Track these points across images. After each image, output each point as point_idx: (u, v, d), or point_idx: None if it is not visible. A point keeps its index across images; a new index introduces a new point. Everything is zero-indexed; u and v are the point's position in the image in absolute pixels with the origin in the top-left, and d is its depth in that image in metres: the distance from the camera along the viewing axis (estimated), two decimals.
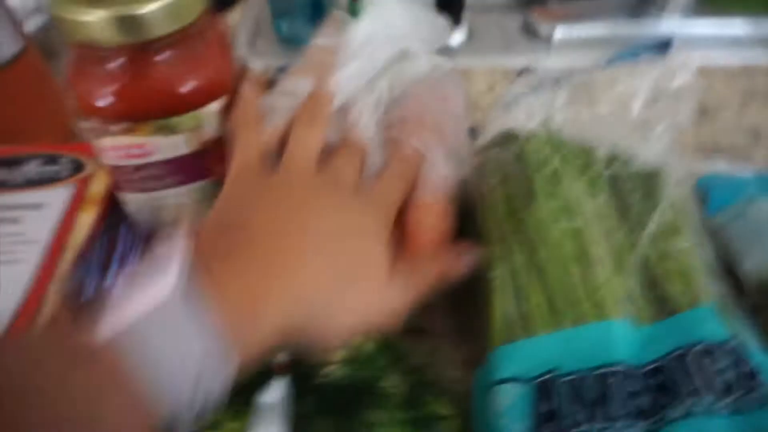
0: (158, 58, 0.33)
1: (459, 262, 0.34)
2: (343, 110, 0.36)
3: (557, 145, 0.41)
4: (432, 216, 0.34)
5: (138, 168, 0.37)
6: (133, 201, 0.42)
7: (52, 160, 0.46)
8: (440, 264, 0.34)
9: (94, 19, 0.30)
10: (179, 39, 0.33)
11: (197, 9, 0.33)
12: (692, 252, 0.34)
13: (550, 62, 0.67)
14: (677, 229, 0.35)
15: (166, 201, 0.40)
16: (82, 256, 0.41)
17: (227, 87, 0.36)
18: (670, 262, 0.33)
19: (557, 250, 0.34)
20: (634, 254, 0.34)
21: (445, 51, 0.44)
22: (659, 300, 0.32)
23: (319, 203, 0.30)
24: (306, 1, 0.64)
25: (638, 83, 0.41)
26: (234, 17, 0.75)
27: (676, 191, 0.38)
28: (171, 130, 0.35)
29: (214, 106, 0.35)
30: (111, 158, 0.37)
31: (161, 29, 0.32)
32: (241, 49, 0.70)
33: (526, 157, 0.40)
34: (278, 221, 0.28)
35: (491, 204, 0.38)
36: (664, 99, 0.43)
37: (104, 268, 0.43)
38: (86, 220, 0.42)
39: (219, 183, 0.33)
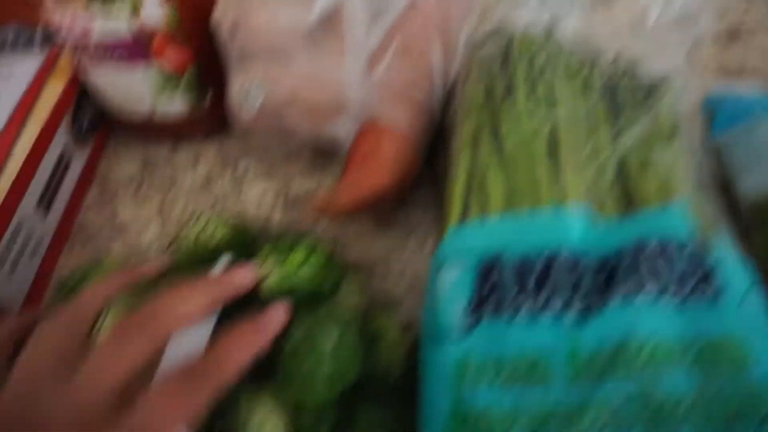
0: None
1: None
2: None
3: (548, 45, 0.38)
4: None
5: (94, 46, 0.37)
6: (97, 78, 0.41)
7: (23, 31, 0.45)
8: None
9: None
10: None
11: None
12: (676, 165, 0.31)
13: None
14: (666, 140, 0.32)
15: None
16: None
17: None
18: (649, 169, 0.30)
19: (527, 142, 0.32)
20: (614, 156, 0.31)
21: None
22: (627, 196, 0.30)
23: None
24: None
25: None
26: None
27: (676, 105, 0.35)
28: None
29: None
30: (71, 32, 0.37)
31: None
32: None
33: (513, 54, 0.37)
34: None
35: (470, 96, 0.36)
36: (682, 12, 0.40)
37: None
38: (55, 86, 0.42)
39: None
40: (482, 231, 0.29)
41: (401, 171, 0.38)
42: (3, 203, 0.36)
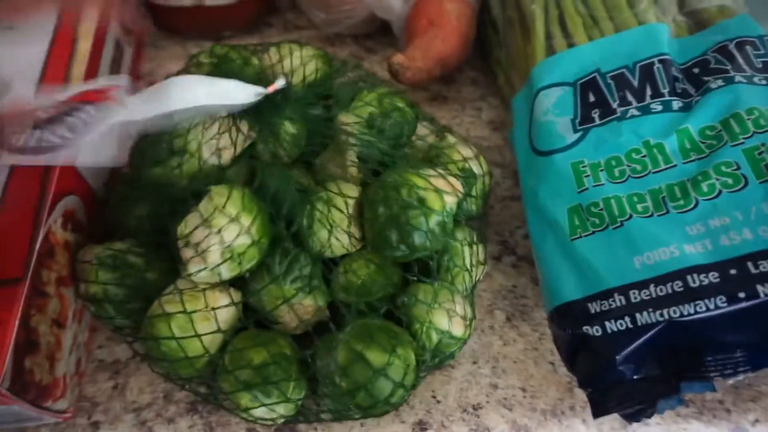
0: None
1: None
2: None
3: None
4: None
5: None
6: None
7: None
8: None
9: None
10: None
11: None
12: None
13: None
14: None
15: None
16: None
17: None
18: None
19: None
20: None
21: None
22: (694, 19, 0.33)
23: None
24: None
25: None
26: None
27: None
28: None
29: None
30: None
31: None
32: None
33: None
34: None
35: None
36: None
37: None
38: None
39: None
40: (574, 56, 0.32)
41: (467, 34, 0.40)
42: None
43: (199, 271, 0.27)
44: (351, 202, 0.29)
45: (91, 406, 0.31)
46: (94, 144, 0.28)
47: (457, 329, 0.28)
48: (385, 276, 0.29)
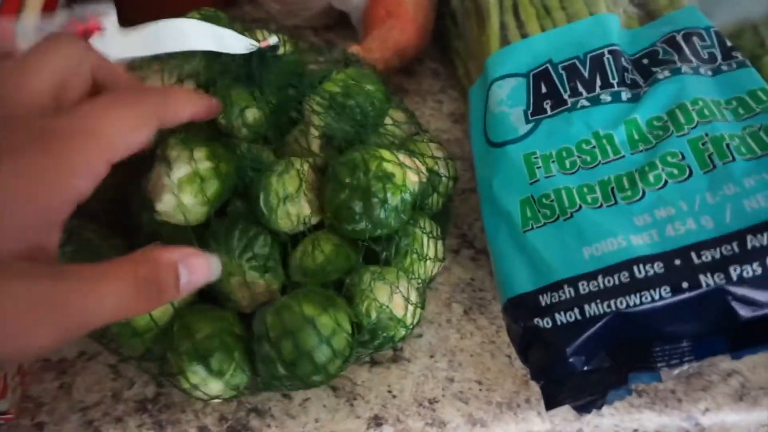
0: None
1: None
2: None
3: None
4: None
5: None
6: None
7: None
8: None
9: None
10: None
11: None
12: None
13: None
14: None
15: None
16: None
17: None
18: None
19: None
20: None
21: None
22: (644, 10, 0.33)
23: None
24: None
25: None
26: None
27: None
28: None
29: None
30: None
31: None
32: None
33: None
34: None
35: None
36: None
37: None
38: None
39: None
40: (527, 47, 0.32)
41: (424, 25, 0.39)
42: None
43: (167, 196, 0.26)
44: (306, 173, 0.28)
45: (36, 406, 0.30)
46: None
47: (398, 309, 0.28)
48: (344, 258, 0.29)
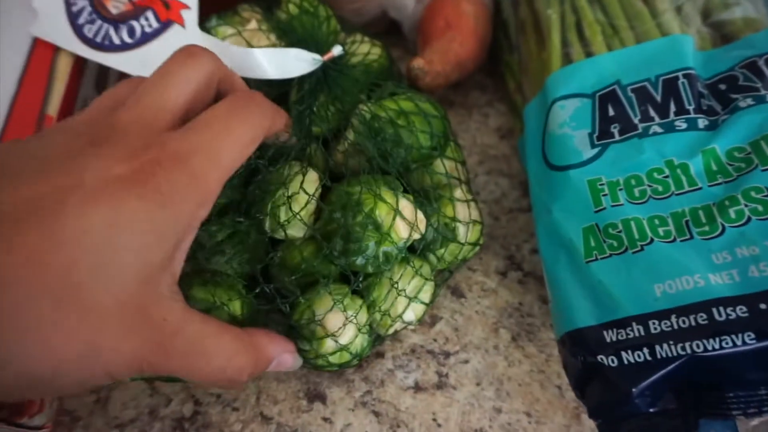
0: None
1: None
2: None
3: None
4: None
5: None
6: None
7: None
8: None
9: None
10: None
11: None
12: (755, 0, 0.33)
13: None
14: None
15: None
16: None
17: None
18: (731, 8, 0.32)
19: None
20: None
21: None
22: (719, 32, 0.31)
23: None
24: None
25: None
26: None
27: None
28: None
29: None
30: None
31: None
32: None
33: None
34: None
35: None
36: None
37: None
38: None
39: None
40: (592, 67, 0.30)
41: (484, 37, 0.38)
42: (68, 82, 0.33)
43: None
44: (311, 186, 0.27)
45: (72, 420, 0.29)
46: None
47: (345, 336, 0.27)
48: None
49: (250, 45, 0.31)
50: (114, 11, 0.31)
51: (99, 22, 0.31)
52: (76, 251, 0.18)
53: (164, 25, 0.31)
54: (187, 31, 0.30)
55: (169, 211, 0.19)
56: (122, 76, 0.37)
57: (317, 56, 0.29)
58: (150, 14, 0.31)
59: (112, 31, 0.31)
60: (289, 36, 0.32)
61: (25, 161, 0.19)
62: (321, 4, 0.34)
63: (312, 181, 0.27)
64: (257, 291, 0.27)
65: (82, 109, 0.32)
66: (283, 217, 0.26)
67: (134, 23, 0.31)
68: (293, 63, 0.28)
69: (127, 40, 0.31)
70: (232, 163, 0.22)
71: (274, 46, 0.31)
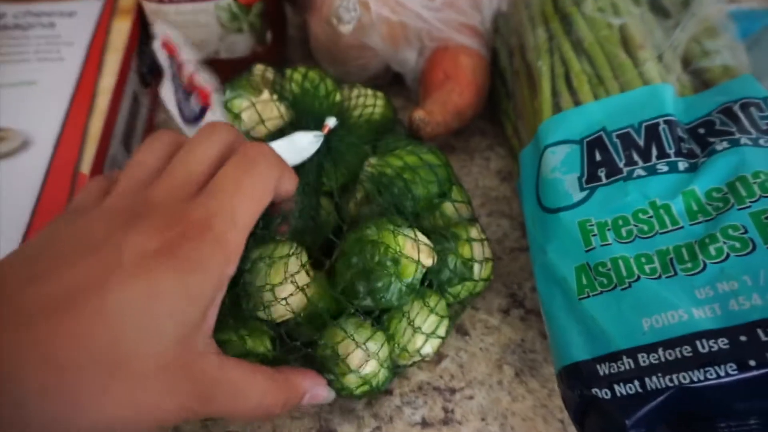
0: None
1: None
2: None
3: None
4: None
5: None
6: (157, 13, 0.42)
7: None
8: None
9: None
10: None
11: None
12: (731, 50, 0.35)
13: None
14: (714, 33, 0.36)
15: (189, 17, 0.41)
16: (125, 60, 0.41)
17: None
18: (710, 56, 0.34)
19: (602, 41, 0.35)
20: (675, 49, 0.35)
21: None
22: (699, 79, 0.34)
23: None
24: None
25: None
26: None
27: (710, 8, 0.39)
28: None
29: None
30: None
31: None
32: None
33: None
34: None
35: (537, 10, 0.39)
36: None
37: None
38: (122, 27, 0.42)
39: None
40: (580, 115, 0.33)
41: (482, 87, 0.41)
42: (100, 142, 0.36)
43: None
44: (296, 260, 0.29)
45: None
46: None
47: (367, 366, 0.28)
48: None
49: (262, 120, 0.34)
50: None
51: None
52: (120, 323, 0.20)
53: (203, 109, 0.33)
54: (214, 114, 0.32)
55: (199, 276, 0.22)
56: (144, 137, 0.41)
57: (318, 133, 0.32)
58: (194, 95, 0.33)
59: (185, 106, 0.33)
60: (296, 107, 0.35)
61: (71, 246, 0.22)
62: (322, 80, 0.36)
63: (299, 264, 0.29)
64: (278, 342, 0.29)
65: (111, 170, 0.35)
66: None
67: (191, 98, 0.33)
68: (303, 146, 0.31)
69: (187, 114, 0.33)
70: (249, 218, 0.24)
71: (283, 117, 0.34)
